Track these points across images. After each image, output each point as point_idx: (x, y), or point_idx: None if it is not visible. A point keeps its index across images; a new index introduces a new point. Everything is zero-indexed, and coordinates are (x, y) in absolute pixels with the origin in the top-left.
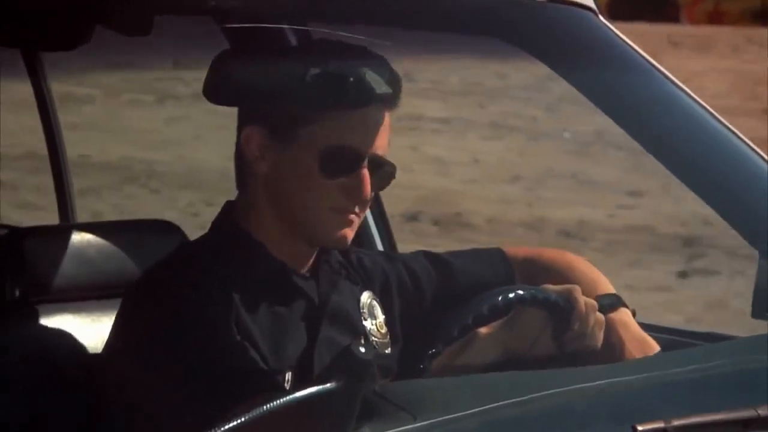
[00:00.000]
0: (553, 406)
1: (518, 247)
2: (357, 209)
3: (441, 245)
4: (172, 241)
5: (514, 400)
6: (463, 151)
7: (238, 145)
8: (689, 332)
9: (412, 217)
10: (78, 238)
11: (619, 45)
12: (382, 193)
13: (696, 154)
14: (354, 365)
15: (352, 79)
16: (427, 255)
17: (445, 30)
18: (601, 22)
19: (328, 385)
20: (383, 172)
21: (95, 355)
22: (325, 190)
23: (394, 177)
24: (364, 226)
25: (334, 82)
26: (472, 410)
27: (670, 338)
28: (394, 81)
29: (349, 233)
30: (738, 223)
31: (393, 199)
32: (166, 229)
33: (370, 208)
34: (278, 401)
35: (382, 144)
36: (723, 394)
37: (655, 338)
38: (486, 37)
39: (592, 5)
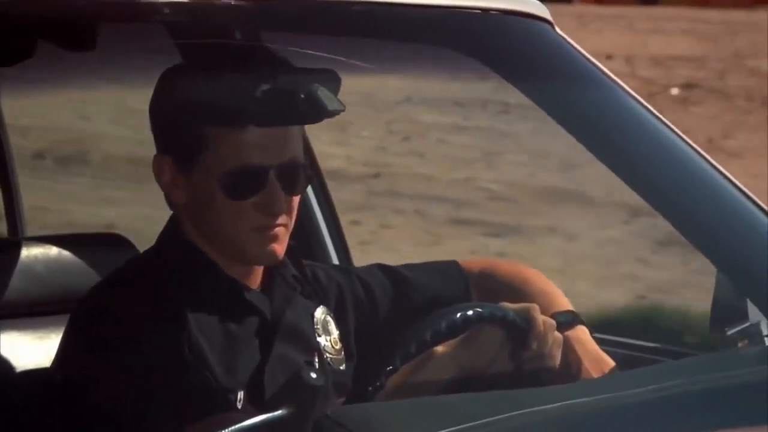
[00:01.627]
0: (510, 429)
1: (473, 260)
2: (279, 221)
3: None
4: (121, 254)
5: (470, 424)
6: None
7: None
8: (644, 347)
9: None
10: (25, 252)
11: (577, 58)
12: None
13: (654, 169)
14: (305, 392)
15: (234, 102)
16: (382, 268)
17: (401, 41)
18: (558, 35)
19: (279, 412)
20: (297, 177)
21: (42, 374)
22: (240, 213)
23: (312, 178)
24: (317, 237)
25: (214, 104)
26: None
27: (625, 353)
28: (291, 94)
29: (279, 248)
30: (697, 239)
31: None
32: (115, 241)
33: (324, 218)
34: (228, 430)
35: (290, 150)
36: (683, 416)
37: (609, 353)
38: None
39: (549, 17)
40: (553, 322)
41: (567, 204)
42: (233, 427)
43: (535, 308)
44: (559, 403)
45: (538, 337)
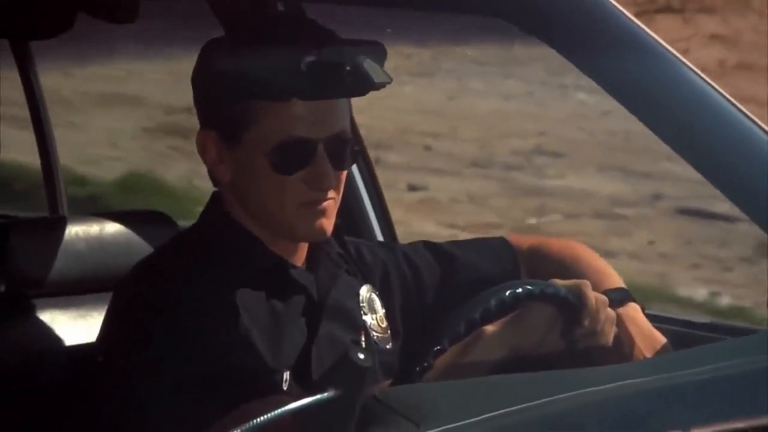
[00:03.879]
0: (563, 411)
1: (523, 236)
2: (328, 196)
3: None
4: (163, 232)
5: (521, 406)
6: None
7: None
8: (697, 323)
9: None
10: (67, 230)
11: (628, 25)
12: None
13: (707, 137)
14: (352, 373)
15: (279, 74)
16: (428, 245)
17: (449, 11)
18: (609, 2)
19: (326, 394)
20: (345, 151)
21: (84, 353)
22: (288, 187)
23: (360, 153)
24: (362, 215)
25: (259, 77)
26: (478, 417)
27: (677, 329)
28: (339, 67)
29: (327, 224)
30: (750, 209)
31: None
32: (156, 219)
33: (369, 196)
34: (274, 412)
35: (338, 123)
36: (743, 397)
37: (661, 330)
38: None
39: None
40: (605, 298)
41: None
42: (280, 410)
43: (587, 284)
44: (613, 384)
45: (590, 314)
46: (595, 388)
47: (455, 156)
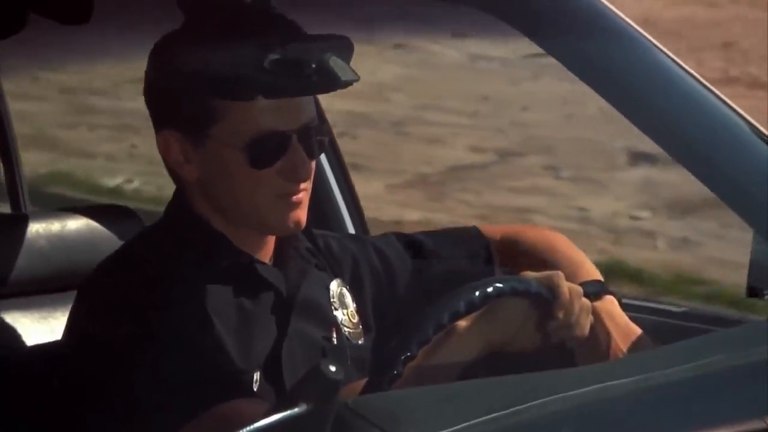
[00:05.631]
0: (544, 416)
1: (495, 226)
2: (302, 186)
3: None
4: (127, 226)
5: (499, 413)
6: None
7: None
8: (672, 312)
9: None
10: (27, 227)
11: (605, 13)
12: None
13: (690, 129)
14: (324, 386)
15: (243, 73)
16: (399, 237)
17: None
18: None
19: (297, 409)
20: (317, 138)
21: (46, 356)
22: (263, 181)
23: (329, 136)
24: (332, 206)
25: (225, 77)
26: (455, 427)
27: (654, 319)
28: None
29: (302, 215)
30: (734, 202)
31: None
32: (121, 213)
33: (339, 186)
34: (245, 430)
35: (308, 112)
36: (726, 399)
37: (637, 319)
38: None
39: None
40: (579, 288)
41: None
42: (251, 427)
43: (559, 275)
44: (597, 386)
45: (564, 306)
46: (576, 391)
47: None
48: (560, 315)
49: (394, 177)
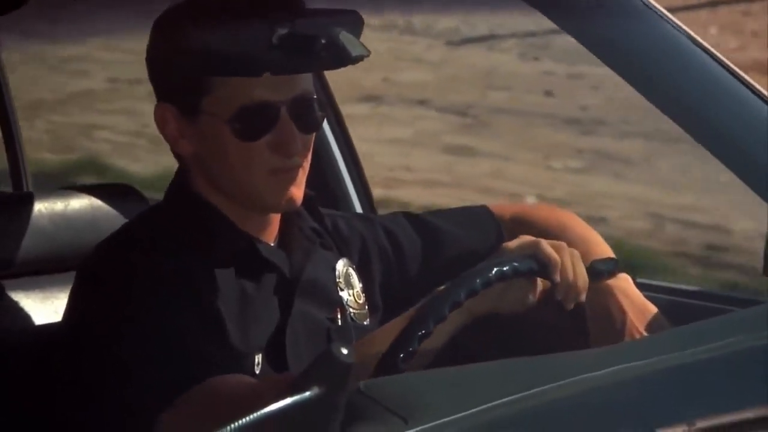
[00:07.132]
0: (558, 399)
1: (505, 205)
2: (295, 162)
3: None
4: (132, 206)
5: (513, 397)
6: None
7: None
8: (687, 291)
9: None
10: (29, 206)
11: None
12: None
13: (705, 104)
14: (335, 370)
15: (250, 49)
16: (408, 216)
17: None
18: None
19: (308, 394)
20: (311, 113)
21: (49, 336)
22: (254, 155)
23: (323, 111)
24: (339, 185)
25: (231, 54)
26: (468, 411)
27: (669, 299)
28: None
29: (297, 192)
30: (749, 177)
31: None
32: (124, 192)
33: (345, 164)
34: (253, 416)
35: (301, 83)
36: (749, 380)
37: (652, 299)
38: None
39: None
40: (562, 243)
41: None
42: (259, 412)
43: (538, 242)
44: (613, 367)
45: (557, 268)
46: (591, 374)
47: None
48: (557, 278)
49: None
